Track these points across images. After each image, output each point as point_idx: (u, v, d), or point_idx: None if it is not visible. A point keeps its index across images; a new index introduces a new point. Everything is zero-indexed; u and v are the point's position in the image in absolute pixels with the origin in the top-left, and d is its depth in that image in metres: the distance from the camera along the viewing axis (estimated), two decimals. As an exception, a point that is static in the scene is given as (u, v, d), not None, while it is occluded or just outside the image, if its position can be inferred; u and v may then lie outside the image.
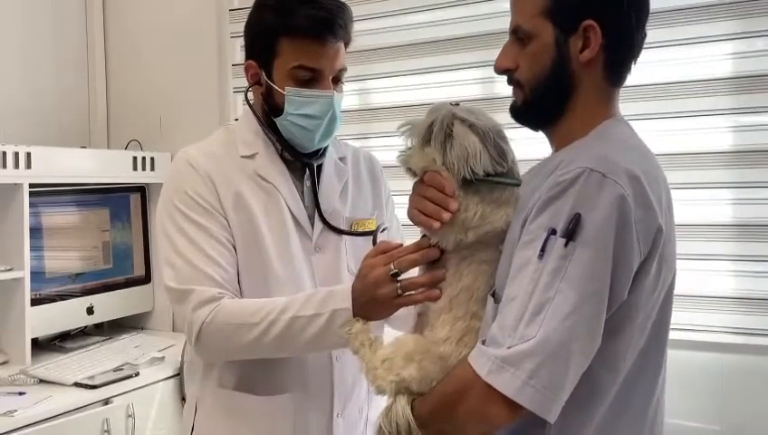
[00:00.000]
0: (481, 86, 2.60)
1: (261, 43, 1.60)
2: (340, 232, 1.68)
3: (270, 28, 1.57)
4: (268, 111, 1.64)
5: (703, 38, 2.23)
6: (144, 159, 2.96)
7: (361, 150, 1.85)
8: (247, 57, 1.65)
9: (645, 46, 1.29)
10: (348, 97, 2.20)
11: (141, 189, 3.07)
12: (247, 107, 1.70)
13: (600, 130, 1.24)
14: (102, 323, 2.98)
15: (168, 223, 1.58)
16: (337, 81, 1.62)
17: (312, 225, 1.66)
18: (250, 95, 1.71)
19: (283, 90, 1.58)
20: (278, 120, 1.62)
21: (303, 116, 1.59)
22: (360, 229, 1.71)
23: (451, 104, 1.32)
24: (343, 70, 1.62)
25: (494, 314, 1.19)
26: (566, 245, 1.10)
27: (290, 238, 1.62)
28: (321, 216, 1.66)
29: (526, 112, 1.30)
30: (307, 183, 1.68)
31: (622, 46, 1.25)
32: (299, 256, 1.63)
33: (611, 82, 1.27)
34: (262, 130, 1.66)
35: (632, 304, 1.15)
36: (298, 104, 1.58)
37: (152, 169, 2.97)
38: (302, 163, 1.68)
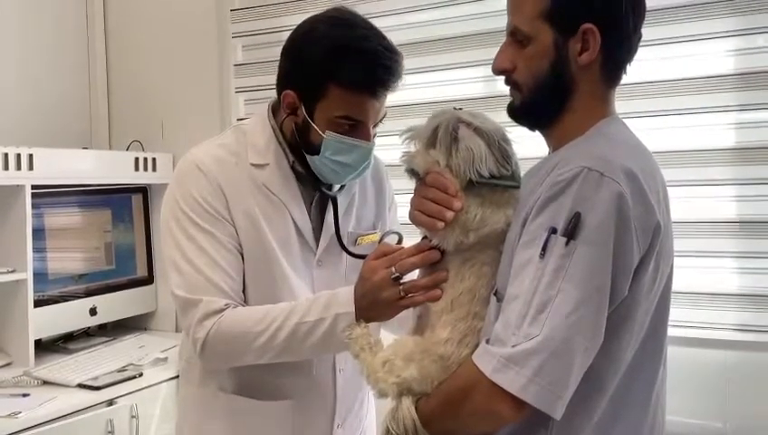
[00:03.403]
0: (483, 84, 2.60)
1: (307, 80, 1.52)
2: (353, 256, 1.66)
3: (321, 69, 1.49)
4: (300, 144, 1.59)
5: (704, 35, 2.24)
6: (146, 159, 2.96)
7: None
8: (285, 84, 1.56)
9: (647, 43, 1.31)
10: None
11: (143, 190, 3.08)
12: (261, 110, 1.67)
13: (596, 130, 1.26)
14: (106, 324, 2.98)
15: (175, 227, 1.56)
16: (376, 125, 1.58)
17: (317, 239, 1.65)
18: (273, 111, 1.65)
19: (323, 132, 1.53)
20: (311, 159, 1.58)
21: (338, 163, 1.56)
22: (365, 243, 1.71)
23: (454, 108, 1.33)
24: (384, 115, 1.58)
25: (497, 313, 1.21)
26: (567, 243, 1.12)
27: (294, 252, 1.62)
28: (341, 243, 1.65)
29: (524, 113, 1.32)
30: (315, 197, 1.66)
31: (620, 49, 1.26)
32: (302, 269, 1.63)
33: (608, 83, 1.29)
34: (275, 140, 1.62)
35: (632, 300, 1.17)
36: (335, 150, 1.54)
37: (154, 169, 2.98)
38: (314, 186, 1.65)
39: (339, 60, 1.47)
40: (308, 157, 1.59)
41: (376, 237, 1.72)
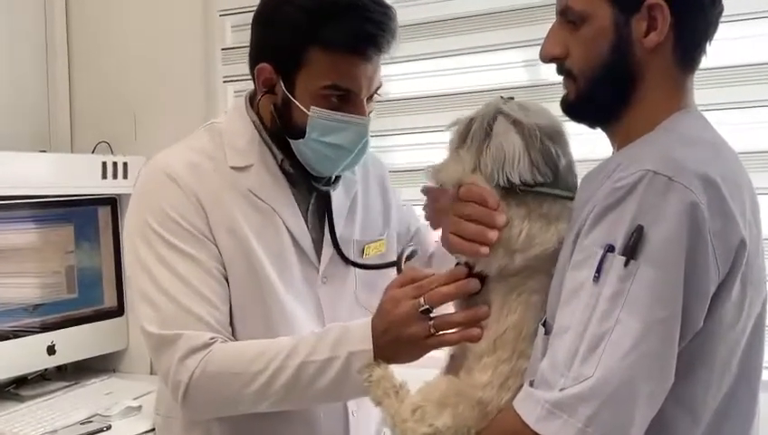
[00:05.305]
0: (525, 70, 2.61)
1: (284, 46, 1.54)
2: (360, 267, 1.68)
3: (300, 32, 1.51)
4: (281, 128, 1.61)
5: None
6: (115, 164, 2.97)
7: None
8: (258, 57, 1.59)
9: (720, 20, 1.30)
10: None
11: (112, 202, 3.09)
12: (237, 103, 1.69)
13: (667, 125, 1.26)
14: (66, 366, 3.00)
15: (144, 250, 1.56)
16: (371, 98, 1.60)
17: (318, 252, 1.67)
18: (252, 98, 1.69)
19: (308, 109, 1.54)
20: (295, 144, 1.60)
21: (329, 145, 1.57)
22: (372, 253, 1.73)
23: (502, 98, 1.35)
24: (380, 86, 1.60)
25: (544, 348, 1.22)
26: (627, 264, 1.12)
27: (291, 268, 1.63)
28: (338, 250, 1.67)
29: (581, 107, 1.32)
30: (312, 200, 1.68)
31: (695, 26, 1.26)
32: (303, 289, 1.64)
33: (683, 68, 1.29)
34: (258, 136, 1.64)
35: (710, 334, 1.17)
36: (324, 129, 1.55)
37: (125, 176, 2.98)
38: (309, 186, 1.67)
39: (319, 17, 1.49)
40: (292, 143, 1.60)
41: (383, 246, 1.74)
